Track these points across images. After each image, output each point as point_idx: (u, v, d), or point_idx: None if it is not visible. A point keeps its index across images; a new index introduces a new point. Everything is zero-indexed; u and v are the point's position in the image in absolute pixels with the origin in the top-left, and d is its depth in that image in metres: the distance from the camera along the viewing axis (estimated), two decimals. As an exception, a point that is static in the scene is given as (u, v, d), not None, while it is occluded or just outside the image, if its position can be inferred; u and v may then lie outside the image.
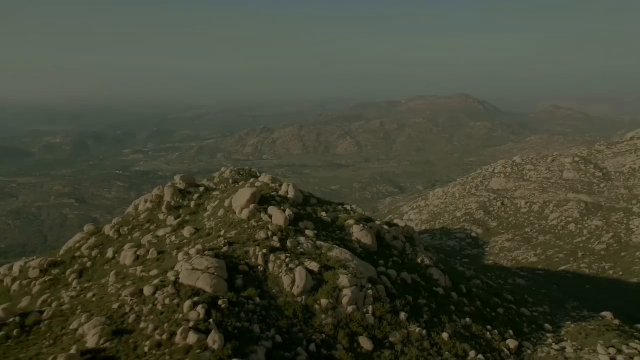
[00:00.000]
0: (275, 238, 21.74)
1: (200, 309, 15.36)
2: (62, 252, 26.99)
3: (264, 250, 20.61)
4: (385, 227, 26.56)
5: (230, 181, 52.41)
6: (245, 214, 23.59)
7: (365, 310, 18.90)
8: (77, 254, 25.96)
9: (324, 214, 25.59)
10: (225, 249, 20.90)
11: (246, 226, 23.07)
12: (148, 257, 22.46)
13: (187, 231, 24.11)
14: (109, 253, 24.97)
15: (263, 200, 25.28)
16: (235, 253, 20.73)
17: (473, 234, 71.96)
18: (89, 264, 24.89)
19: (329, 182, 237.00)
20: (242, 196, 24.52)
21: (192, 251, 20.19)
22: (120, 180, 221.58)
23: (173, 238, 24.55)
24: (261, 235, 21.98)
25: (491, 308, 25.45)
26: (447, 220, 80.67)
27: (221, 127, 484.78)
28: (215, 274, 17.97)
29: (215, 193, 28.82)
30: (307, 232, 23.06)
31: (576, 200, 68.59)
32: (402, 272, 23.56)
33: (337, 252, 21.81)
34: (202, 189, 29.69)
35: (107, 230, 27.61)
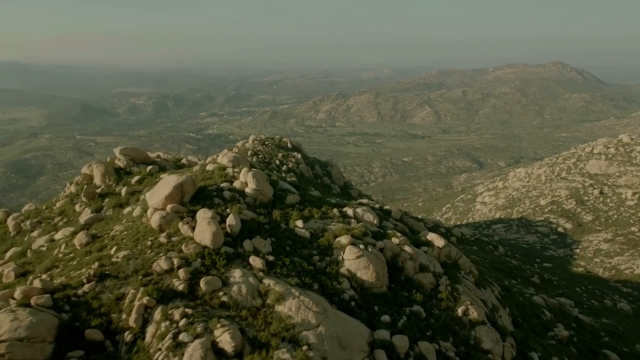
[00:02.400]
0: (182, 272, 12.08)
1: None
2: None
3: (147, 298, 11.12)
4: (408, 249, 15.86)
5: (249, 153, 43.45)
6: (155, 221, 14.05)
7: None
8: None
9: (299, 223, 15.38)
10: (85, 288, 11.68)
11: (149, 243, 13.58)
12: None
13: (78, 239, 15.08)
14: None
15: (203, 196, 15.59)
16: (97, 299, 11.46)
17: (559, 229, 58.00)
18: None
19: (402, 153, 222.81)
20: (161, 189, 14.96)
21: (17, 292, 11.15)
22: (189, 143, 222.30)
23: (63, 248, 15.70)
24: (162, 264, 12.40)
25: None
26: (527, 208, 66.80)
27: (297, 92, 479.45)
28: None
29: (163, 175, 19.50)
30: (254, 259, 13.12)
31: None
32: (422, 341, 13.08)
33: (293, 305, 11.84)
34: (149, 167, 20.45)
35: (9, 221, 19.39)
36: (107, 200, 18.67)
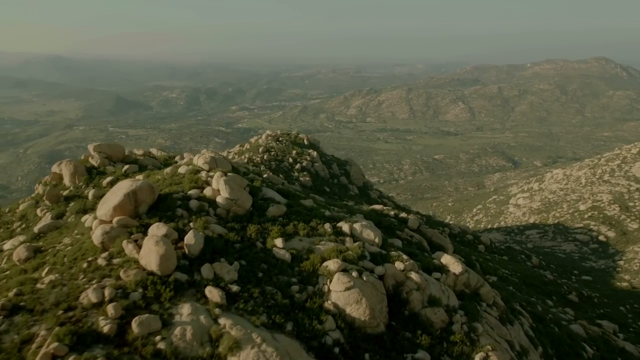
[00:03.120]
0: (112, 308, 9.40)
1: None
2: None
3: (56, 345, 8.55)
4: (415, 277, 12.72)
5: (261, 150, 40.90)
6: (97, 237, 11.43)
7: None
8: None
9: (279, 242, 12.47)
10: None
11: (85, 265, 10.95)
12: None
13: (17, 254, 12.64)
14: None
15: (164, 206, 12.87)
16: (-3, 343, 8.89)
17: (600, 238, 53.19)
18: None
19: (433, 151, 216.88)
20: (112, 197, 12.32)
21: None
22: (218, 137, 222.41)
23: (4, 262, 13.32)
24: (90, 295, 9.75)
25: None
26: (565, 213, 61.98)
27: (329, 87, 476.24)
28: None
29: (139, 177, 16.89)
30: (211, 291, 10.32)
31: None
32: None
33: (250, 356, 9.03)
34: (125, 167, 17.91)
35: (-33, 225, 17.20)
36: (72, 204, 16.23)
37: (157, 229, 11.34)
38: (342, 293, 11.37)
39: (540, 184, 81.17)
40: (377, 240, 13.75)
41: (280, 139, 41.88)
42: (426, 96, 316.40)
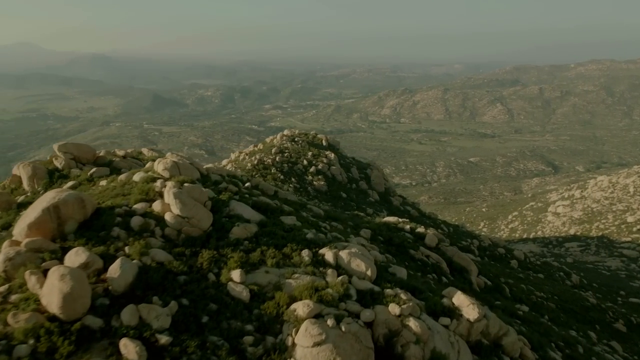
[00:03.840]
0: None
1: None
2: None
3: None
4: (414, 325, 9.72)
5: (274, 150, 38.24)
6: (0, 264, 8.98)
7: None
8: None
9: (236, 274, 9.69)
10: None
11: (-27, 302, 8.48)
12: None
13: None
14: None
15: (98, 224, 10.33)
16: None
17: (651, 254, 48.18)
18: None
19: (468, 153, 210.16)
20: (30, 212, 9.88)
21: None
22: (249, 135, 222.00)
23: None
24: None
25: None
26: (610, 225, 56.89)
27: (364, 87, 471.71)
28: None
29: (103, 183, 14.45)
30: (127, 345, 7.66)
31: None
32: None
33: None
34: (92, 170, 15.52)
35: None
36: (22, 213, 13.93)
37: (75, 256, 8.79)
38: (309, 350, 8.51)
39: (582, 191, 75.71)
40: (369, 272, 10.79)
41: (296, 139, 39.20)
42: (463, 97, 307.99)
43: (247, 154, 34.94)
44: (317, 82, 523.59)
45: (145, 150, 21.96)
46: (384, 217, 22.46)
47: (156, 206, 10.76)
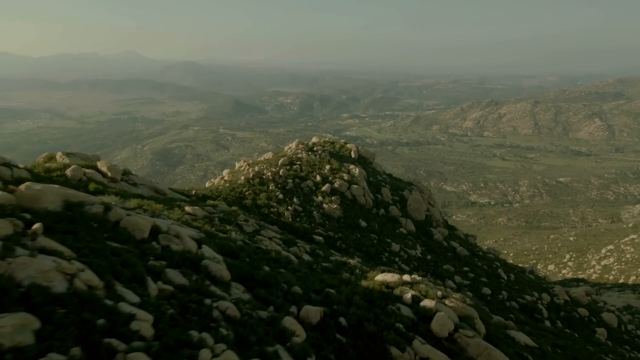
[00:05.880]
0: None
1: None
2: None
3: None
4: None
5: (281, 162, 30.66)
6: None
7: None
8: None
9: None
10: None
11: None
12: None
13: None
14: None
15: None
16: None
17: None
18: None
19: (558, 172, 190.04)
20: None
21: None
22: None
23: None
24: None
25: None
26: None
27: (447, 98, 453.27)
28: None
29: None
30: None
31: None
32: None
33: None
34: None
35: None
36: None
37: None
38: None
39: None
40: None
41: (315, 148, 31.43)
42: (555, 110, 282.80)
43: (249, 165, 28.07)
44: (399, 93, 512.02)
45: (57, 156, 15.79)
46: (378, 274, 14.29)
47: None
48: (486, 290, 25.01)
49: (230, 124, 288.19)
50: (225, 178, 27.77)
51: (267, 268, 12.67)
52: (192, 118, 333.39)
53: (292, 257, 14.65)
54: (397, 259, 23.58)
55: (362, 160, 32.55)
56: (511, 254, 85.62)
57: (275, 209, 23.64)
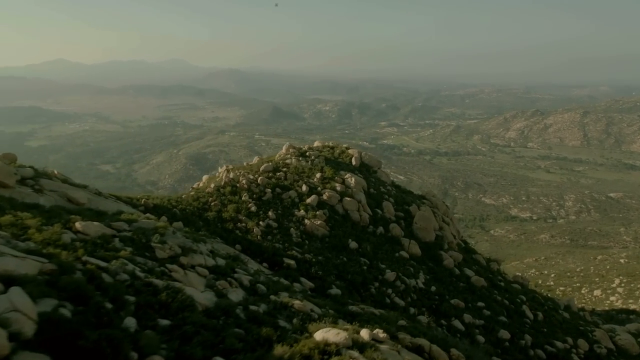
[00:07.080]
0: None
1: None
2: None
3: None
4: None
5: (264, 168, 26.36)
6: None
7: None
8: None
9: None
10: None
11: None
12: None
13: None
14: None
15: None
16: None
17: None
18: None
19: (608, 187, 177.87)
20: None
21: None
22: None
23: None
24: None
25: None
26: None
27: (490, 107, 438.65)
28: None
29: None
30: None
31: None
32: None
33: None
34: None
35: None
36: None
37: None
38: None
39: None
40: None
41: (307, 153, 27.10)
42: (607, 121, 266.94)
43: (229, 170, 24.14)
44: (440, 101, 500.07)
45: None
46: (321, 329, 9.91)
47: None
48: (504, 334, 19.96)
49: (266, 130, 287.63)
50: (201, 185, 24.08)
51: (131, 322, 8.49)
52: (230, 124, 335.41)
53: (203, 299, 10.49)
54: (389, 291, 18.99)
55: (365, 168, 27.99)
56: (552, 275, 78.43)
57: (244, 224, 19.68)
